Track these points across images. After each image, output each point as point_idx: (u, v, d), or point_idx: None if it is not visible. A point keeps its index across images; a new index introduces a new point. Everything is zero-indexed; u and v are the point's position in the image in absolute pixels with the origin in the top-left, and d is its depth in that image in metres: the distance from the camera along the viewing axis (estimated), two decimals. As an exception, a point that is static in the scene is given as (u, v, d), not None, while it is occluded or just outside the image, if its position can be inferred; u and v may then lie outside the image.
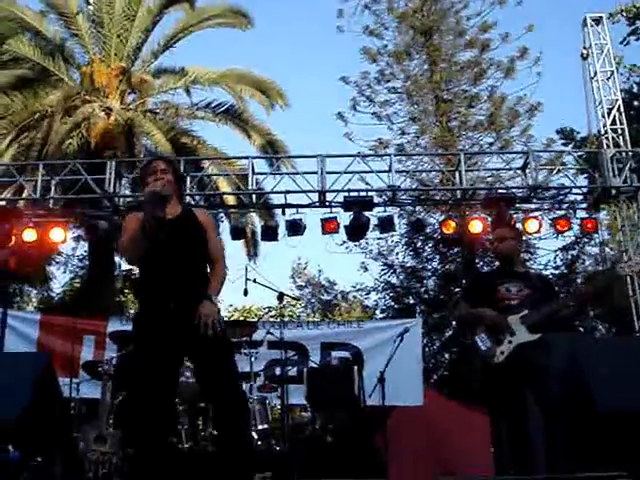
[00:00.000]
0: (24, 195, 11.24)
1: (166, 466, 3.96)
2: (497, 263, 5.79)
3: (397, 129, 18.75)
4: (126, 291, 20.29)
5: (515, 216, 11.05)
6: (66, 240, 10.97)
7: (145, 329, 4.02)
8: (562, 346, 4.60)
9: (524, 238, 13.96)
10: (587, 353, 4.00)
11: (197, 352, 4.01)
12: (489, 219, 10.58)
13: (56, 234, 10.51)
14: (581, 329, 15.21)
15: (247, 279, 8.30)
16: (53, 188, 10.74)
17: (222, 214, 12.52)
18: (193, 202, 11.77)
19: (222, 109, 16.61)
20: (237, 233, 11.21)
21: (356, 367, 8.08)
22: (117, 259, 17.98)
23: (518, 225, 10.89)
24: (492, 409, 5.19)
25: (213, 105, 16.68)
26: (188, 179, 11.12)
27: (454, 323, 14.96)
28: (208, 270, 4.20)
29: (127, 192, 11.90)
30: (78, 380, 7.94)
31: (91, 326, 10.01)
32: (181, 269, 3.98)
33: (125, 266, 19.64)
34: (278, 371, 8.31)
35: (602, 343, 7.14)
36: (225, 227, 11.72)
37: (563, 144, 19.29)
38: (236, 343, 7.98)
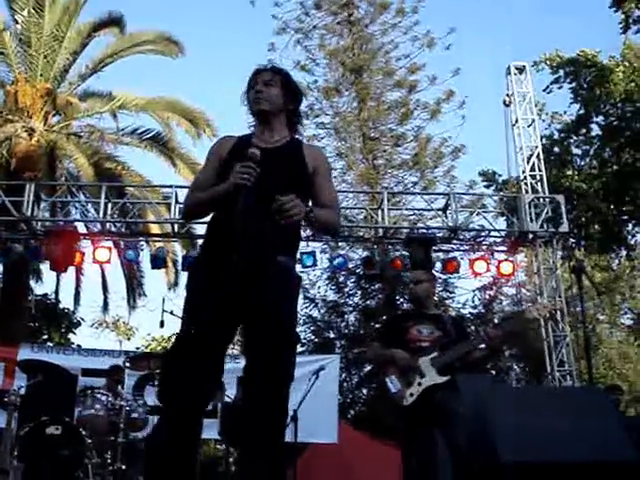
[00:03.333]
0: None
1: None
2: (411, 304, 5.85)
3: (324, 164, 18.79)
4: (39, 317, 19.70)
5: (435, 255, 11.28)
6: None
7: (196, 281, 3.20)
8: (469, 390, 4.67)
9: (443, 277, 14.24)
10: (493, 400, 4.05)
11: (253, 333, 3.07)
12: (408, 258, 10.78)
13: (-32, 256, 10.25)
14: (493, 371, 15.46)
15: (164, 310, 8.19)
16: (-32, 209, 10.47)
17: (143, 242, 12.30)
18: (114, 228, 11.62)
19: (148, 136, 16.36)
20: (158, 262, 11.13)
21: (271, 403, 8.01)
22: (32, 283, 17.50)
23: (437, 264, 11.14)
24: (403, 448, 5.20)
25: (140, 131, 16.42)
26: (109, 205, 10.97)
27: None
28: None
29: (46, 215, 11.68)
30: (-17, 409, 7.66)
31: (1, 353, 9.74)
32: (260, 215, 2.96)
33: (39, 291, 19.18)
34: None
35: (509, 391, 7.26)
36: (146, 255, 11.55)
37: (485, 186, 19.73)
38: (150, 375, 7.86)
